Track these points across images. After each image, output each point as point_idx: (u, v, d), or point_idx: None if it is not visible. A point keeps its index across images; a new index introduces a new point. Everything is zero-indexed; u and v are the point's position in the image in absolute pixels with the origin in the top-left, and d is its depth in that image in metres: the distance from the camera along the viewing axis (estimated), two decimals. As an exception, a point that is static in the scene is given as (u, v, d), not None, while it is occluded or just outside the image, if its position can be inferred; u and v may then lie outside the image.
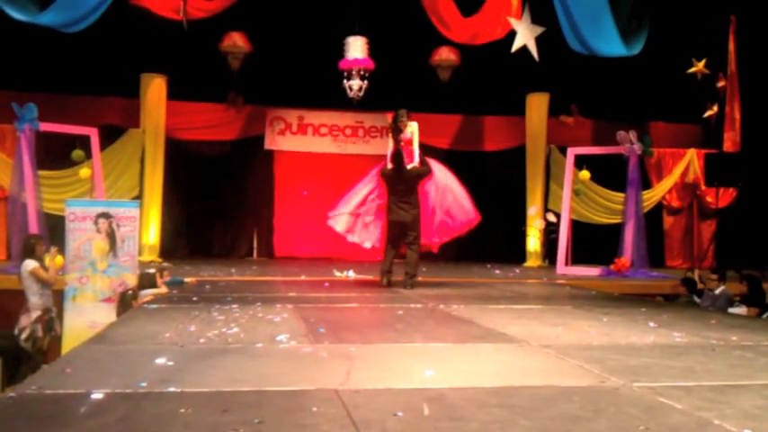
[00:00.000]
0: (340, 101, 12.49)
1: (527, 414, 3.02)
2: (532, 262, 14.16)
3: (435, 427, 2.85)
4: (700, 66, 14.00)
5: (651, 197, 14.56)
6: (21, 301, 7.88)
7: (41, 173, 11.45)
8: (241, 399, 3.21)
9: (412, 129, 8.74)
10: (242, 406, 3.08)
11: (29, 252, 7.92)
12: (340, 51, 11.70)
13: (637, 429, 2.83)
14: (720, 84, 14.29)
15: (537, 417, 2.98)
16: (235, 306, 6.44)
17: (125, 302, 7.34)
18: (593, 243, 13.14)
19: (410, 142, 8.68)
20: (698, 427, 2.89)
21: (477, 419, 2.94)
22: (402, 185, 8.52)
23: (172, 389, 3.35)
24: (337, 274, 10.73)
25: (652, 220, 14.09)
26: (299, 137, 15.28)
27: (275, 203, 15.22)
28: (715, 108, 14.46)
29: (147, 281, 7.89)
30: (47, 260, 8.01)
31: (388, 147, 8.97)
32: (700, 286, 10.00)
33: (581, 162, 12.98)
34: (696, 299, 9.71)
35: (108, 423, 2.82)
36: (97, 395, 3.18)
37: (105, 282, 9.14)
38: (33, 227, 10.52)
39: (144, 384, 3.42)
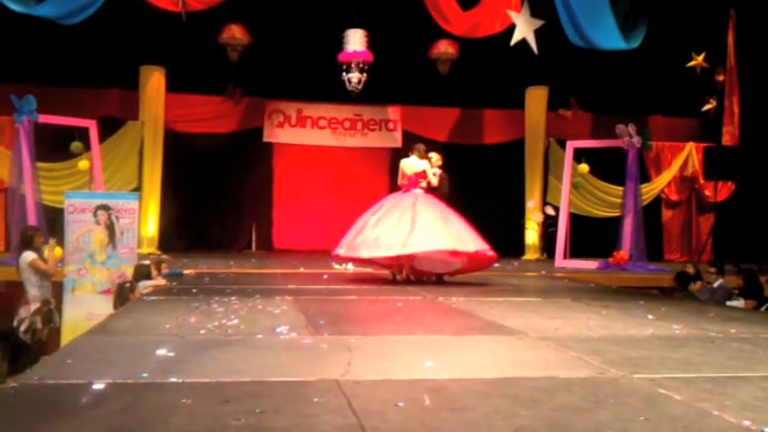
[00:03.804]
0: (339, 93, 12.47)
1: (528, 405, 3.03)
2: (531, 255, 14.18)
3: (436, 417, 2.85)
4: (699, 59, 13.99)
5: (650, 191, 14.59)
6: (20, 292, 7.88)
7: (40, 165, 11.45)
8: (242, 389, 3.22)
9: None
10: (243, 396, 3.09)
11: (27, 244, 7.89)
12: (339, 44, 11.67)
13: (637, 420, 2.84)
14: (719, 78, 14.28)
15: (537, 407, 2.99)
16: (234, 298, 6.45)
17: (122, 294, 7.33)
18: (592, 236, 13.17)
19: None
20: (697, 417, 2.91)
21: (479, 410, 2.95)
22: None
23: (173, 379, 3.36)
24: (336, 266, 10.73)
25: (650, 214, 14.12)
26: (297, 129, 15.26)
27: (274, 196, 15.22)
28: (714, 102, 14.46)
29: (141, 272, 7.88)
30: (45, 252, 8.00)
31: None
32: (698, 284, 9.93)
33: (580, 155, 12.98)
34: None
35: (110, 413, 2.82)
36: (99, 385, 3.19)
37: (104, 273, 9.16)
38: (32, 218, 10.52)
39: (145, 375, 3.43)
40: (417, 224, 8.15)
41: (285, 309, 5.91)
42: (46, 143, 11.66)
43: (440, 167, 9.20)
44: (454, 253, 8.26)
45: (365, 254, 8.28)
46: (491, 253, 8.51)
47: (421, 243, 8.02)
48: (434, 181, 8.89)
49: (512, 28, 11.62)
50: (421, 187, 8.74)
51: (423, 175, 8.78)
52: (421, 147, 9.07)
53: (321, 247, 14.52)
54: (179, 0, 10.93)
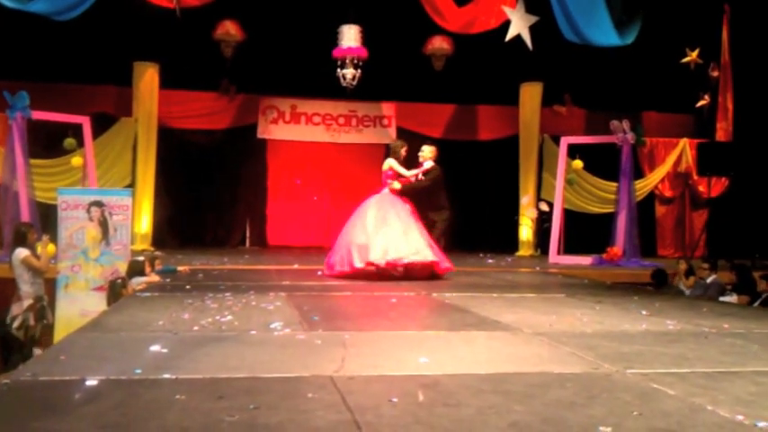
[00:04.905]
0: (333, 90, 12.46)
1: (521, 400, 3.03)
2: (525, 251, 14.21)
3: (431, 412, 2.85)
4: (693, 55, 14.01)
5: (643, 186, 14.62)
6: (12, 289, 7.85)
7: (33, 161, 11.41)
8: (236, 385, 3.21)
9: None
10: (237, 392, 3.08)
11: (20, 240, 7.87)
12: (333, 40, 11.65)
13: (630, 415, 2.84)
14: (713, 73, 14.31)
15: (531, 403, 3.00)
16: (228, 294, 6.43)
17: (115, 291, 7.32)
18: (586, 232, 13.19)
19: None
20: (691, 412, 2.91)
21: (473, 405, 2.95)
22: None
23: (167, 376, 3.35)
24: (331, 262, 10.70)
25: (644, 210, 14.15)
26: (291, 126, 15.24)
27: (268, 192, 15.20)
28: (708, 98, 14.49)
29: (134, 269, 7.86)
30: (38, 248, 7.98)
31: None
32: (691, 280, 9.94)
33: (574, 151, 13.00)
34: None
35: (103, 409, 2.81)
36: (92, 382, 3.17)
37: (97, 270, 9.14)
38: (25, 215, 10.50)
39: (139, 371, 3.41)
40: (353, 237, 8.31)
41: (279, 305, 5.90)
42: (39, 140, 11.63)
43: (433, 160, 9.04)
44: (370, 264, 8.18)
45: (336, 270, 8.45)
46: (413, 260, 8.17)
47: (356, 260, 8.11)
48: (406, 173, 8.77)
49: (506, 24, 11.62)
50: (388, 185, 8.71)
51: (390, 172, 8.75)
52: (392, 144, 9.05)
53: (315, 243, 14.55)
54: (173, -3, 10.92)
